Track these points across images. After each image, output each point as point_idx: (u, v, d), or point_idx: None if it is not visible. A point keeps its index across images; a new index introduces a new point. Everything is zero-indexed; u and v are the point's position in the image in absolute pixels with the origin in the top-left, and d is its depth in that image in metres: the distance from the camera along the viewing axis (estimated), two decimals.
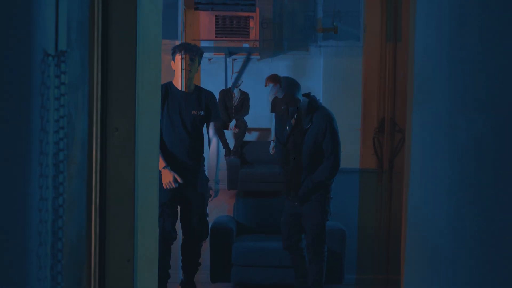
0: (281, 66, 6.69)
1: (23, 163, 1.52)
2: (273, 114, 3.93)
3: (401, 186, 3.87)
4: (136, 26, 2.42)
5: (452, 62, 2.16)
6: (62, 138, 1.64)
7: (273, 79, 3.88)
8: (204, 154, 4.10)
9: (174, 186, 3.84)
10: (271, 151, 4.60)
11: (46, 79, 1.60)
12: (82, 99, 2.20)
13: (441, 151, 2.28)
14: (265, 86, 3.94)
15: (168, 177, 3.82)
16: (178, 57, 3.92)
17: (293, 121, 3.86)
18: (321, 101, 6.18)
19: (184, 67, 3.88)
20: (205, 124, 4.10)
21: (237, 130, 5.35)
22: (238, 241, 4.43)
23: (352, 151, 5.00)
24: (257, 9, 6.06)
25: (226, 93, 5.11)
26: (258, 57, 6.31)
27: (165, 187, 3.83)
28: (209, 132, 4.10)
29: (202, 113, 3.99)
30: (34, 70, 1.55)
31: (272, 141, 4.59)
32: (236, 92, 5.31)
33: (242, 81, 5.45)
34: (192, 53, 3.91)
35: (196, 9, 5.97)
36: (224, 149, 5.48)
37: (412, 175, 2.72)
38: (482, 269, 1.91)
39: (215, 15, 5.54)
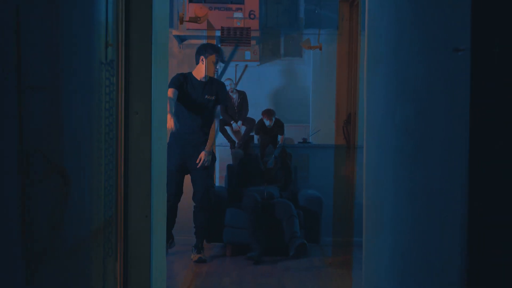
0: (277, 70, 7.52)
1: (91, 135, 2.20)
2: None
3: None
4: (151, 33, 3.07)
5: (394, 64, 2.86)
6: (110, 121, 2.32)
7: (268, 113, 5.01)
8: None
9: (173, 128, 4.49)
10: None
11: (101, 79, 2.28)
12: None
13: (386, 130, 3.00)
14: (262, 116, 5.06)
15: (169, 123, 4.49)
16: (212, 58, 4.75)
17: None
18: (310, 98, 7.13)
19: (215, 69, 4.81)
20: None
21: (238, 128, 5.95)
22: (230, 207, 5.11)
23: (330, 138, 5.80)
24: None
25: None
26: (258, 63, 7.07)
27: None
28: (214, 114, 4.91)
29: (214, 97, 4.83)
30: (95, 73, 2.22)
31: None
32: (235, 96, 5.91)
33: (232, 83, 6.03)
34: (221, 57, 4.85)
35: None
36: (227, 139, 6.09)
37: (367, 149, 3.44)
38: (416, 218, 2.60)
39: (221, 26, 6.30)
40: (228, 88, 5.73)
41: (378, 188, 3.31)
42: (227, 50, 6.82)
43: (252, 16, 6.79)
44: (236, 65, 7.20)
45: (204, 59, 4.76)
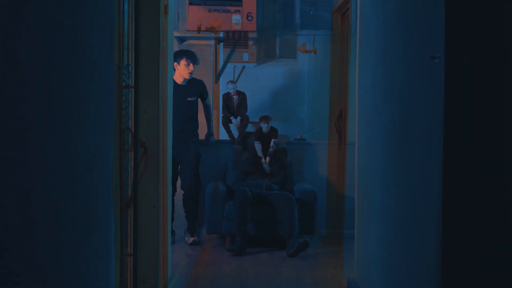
0: (274, 71, 7.90)
1: (109, 130, 2.46)
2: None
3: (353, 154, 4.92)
4: (159, 38, 3.34)
5: (382, 69, 3.14)
6: (127, 119, 2.58)
7: (265, 118, 5.72)
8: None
9: None
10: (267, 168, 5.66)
11: (119, 80, 2.54)
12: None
13: (375, 127, 3.27)
14: (259, 121, 5.73)
15: None
16: (183, 62, 5.26)
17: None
18: (305, 96, 7.50)
19: (190, 72, 5.32)
20: (198, 105, 5.57)
21: (238, 125, 6.29)
22: (228, 201, 5.38)
23: (324, 130, 6.15)
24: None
25: (227, 96, 6.10)
26: (255, 64, 7.44)
27: None
28: (203, 104, 5.58)
29: (195, 98, 5.41)
30: (114, 75, 2.48)
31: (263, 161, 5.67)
32: (235, 97, 6.23)
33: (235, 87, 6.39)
34: (195, 60, 5.33)
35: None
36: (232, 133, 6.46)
37: (359, 144, 3.72)
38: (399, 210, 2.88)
39: (224, 29, 6.67)
40: (231, 91, 6.07)
41: (368, 180, 3.59)
42: (226, 51, 7.10)
43: (250, 18, 7.05)
44: (234, 66, 7.51)
45: (177, 65, 5.28)
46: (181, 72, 5.31)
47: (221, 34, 6.84)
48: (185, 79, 5.33)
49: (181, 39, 7.23)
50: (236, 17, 6.88)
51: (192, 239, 5.32)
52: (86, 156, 2.06)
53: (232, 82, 6.22)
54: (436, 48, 2.11)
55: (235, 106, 6.12)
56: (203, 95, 5.50)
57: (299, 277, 4.36)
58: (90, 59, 2.08)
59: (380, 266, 3.28)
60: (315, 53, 6.85)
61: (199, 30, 6.01)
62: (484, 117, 2.08)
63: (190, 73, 5.31)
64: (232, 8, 6.99)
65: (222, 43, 7.18)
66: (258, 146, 5.63)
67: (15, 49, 1.50)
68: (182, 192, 5.41)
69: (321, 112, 6.63)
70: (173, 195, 5.25)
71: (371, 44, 3.39)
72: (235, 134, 6.12)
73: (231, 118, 6.13)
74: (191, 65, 5.28)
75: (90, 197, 2.15)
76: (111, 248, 2.47)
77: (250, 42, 7.25)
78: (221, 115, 6.30)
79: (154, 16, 3.20)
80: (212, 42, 7.16)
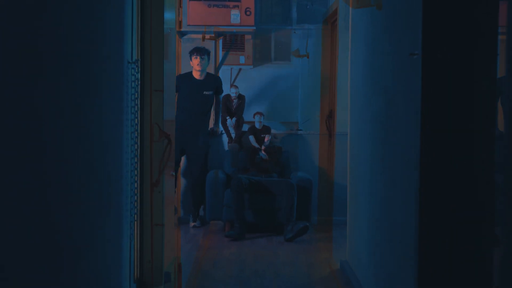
0: (269, 72, 8.21)
1: (120, 121, 2.71)
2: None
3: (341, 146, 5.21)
4: (163, 35, 3.57)
5: (370, 67, 3.39)
6: (135, 108, 2.83)
7: (259, 113, 6.17)
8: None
9: None
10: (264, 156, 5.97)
11: (129, 75, 2.79)
12: None
13: (363, 117, 3.53)
14: (253, 117, 6.12)
15: None
16: (193, 57, 5.80)
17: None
18: (299, 97, 7.84)
19: (197, 63, 5.80)
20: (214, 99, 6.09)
21: (232, 125, 6.59)
22: (228, 189, 5.64)
23: (315, 129, 6.49)
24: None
25: (228, 98, 6.38)
26: (251, 66, 7.77)
27: None
28: (215, 101, 6.04)
29: (211, 92, 5.91)
30: (124, 70, 2.73)
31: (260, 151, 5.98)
32: (235, 101, 6.52)
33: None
34: (202, 54, 5.79)
35: None
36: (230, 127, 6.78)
37: (351, 134, 3.97)
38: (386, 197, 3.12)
39: (224, 33, 7.01)
40: (233, 95, 6.39)
41: (358, 167, 3.84)
42: (224, 51, 7.43)
43: (248, 13, 7.28)
44: (231, 68, 7.84)
45: (191, 62, 5.87)
46: (193, 66, 5.84)
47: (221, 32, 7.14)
48: (202, 73, 5.83)
49: (182, 33, 7.47)
50: (235, 12, 7.12)
51: (193, 223, 5.75)
52: (100, 143, 2.28)
53: (235, 86, 6.52)
54: (415, 46, 2.36)
55: (233, 108, 6.43)
56: (219, 89, 6.02)
57: (296, 259, 4.63)
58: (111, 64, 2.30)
59: (369, 247, 3.53)
60: (308, 57, 7.30)
61: (203, 39, 6.64)
62: (458, 109, 2.33)
63: (199, 64, 5.79)
64: (231, 4, 7.21)
65: (221, 38, 7.44)
66: (252, 138, 5.98)
67: (37, 48, 1.74)
68: (190, 180, 5.86)
69: (313, 112, 6.96)
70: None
71: (361, 44, 3.64)
72: (233, 134, 6.42)
73: (227, 118, 6.42)
74: (198, 57, 5.77)
75: (103, 182, 2.36)
76: (123, 229, 2.73)
77: (248, 36, 7.50)
78: (220, 114, 6.60)
79: (158, 9, 3.42)
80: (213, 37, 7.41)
